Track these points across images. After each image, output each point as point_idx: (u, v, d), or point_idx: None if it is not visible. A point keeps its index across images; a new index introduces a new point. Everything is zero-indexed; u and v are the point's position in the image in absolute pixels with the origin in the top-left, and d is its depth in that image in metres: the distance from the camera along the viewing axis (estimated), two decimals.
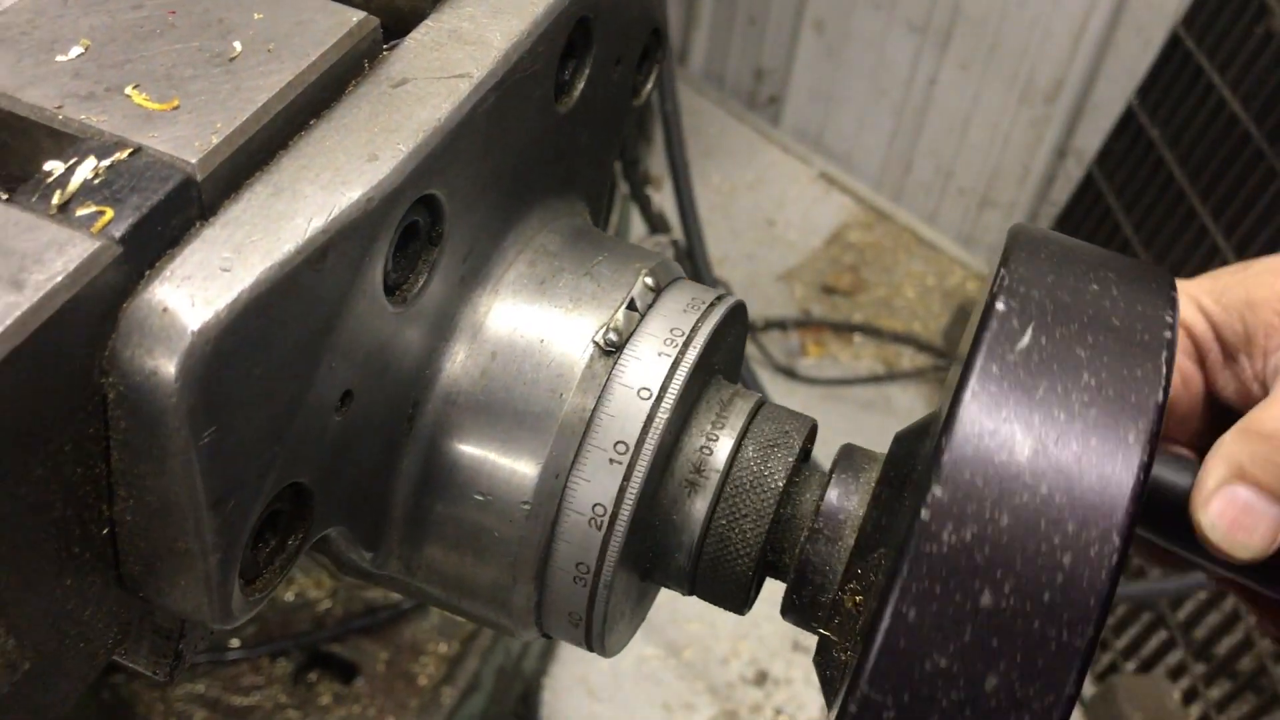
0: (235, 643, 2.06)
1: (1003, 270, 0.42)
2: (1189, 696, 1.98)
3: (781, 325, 2.70)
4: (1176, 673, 2.03)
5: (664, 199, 2.21)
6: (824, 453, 0.51)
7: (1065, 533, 0.36)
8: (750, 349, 2.51)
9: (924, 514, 0.36)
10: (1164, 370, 0.39)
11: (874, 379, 2.67)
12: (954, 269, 2.89)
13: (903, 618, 0.36)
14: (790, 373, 2.61)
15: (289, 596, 2.18)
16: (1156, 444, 0.37)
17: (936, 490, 0.36)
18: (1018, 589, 0.35)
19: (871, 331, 2.74)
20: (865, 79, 2.75)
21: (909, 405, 2.61)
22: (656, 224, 2.06)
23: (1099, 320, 0.40)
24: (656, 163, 2.29)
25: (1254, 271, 0.55)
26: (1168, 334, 0.40)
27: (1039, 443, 0.37)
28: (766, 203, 2.97)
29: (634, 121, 2.01)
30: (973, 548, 0.36)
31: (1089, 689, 2.07)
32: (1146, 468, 0.37)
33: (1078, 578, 0.35)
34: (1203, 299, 0.55)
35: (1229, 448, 0.47)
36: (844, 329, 2.75)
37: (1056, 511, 0.36)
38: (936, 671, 0.35)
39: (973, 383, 0.38)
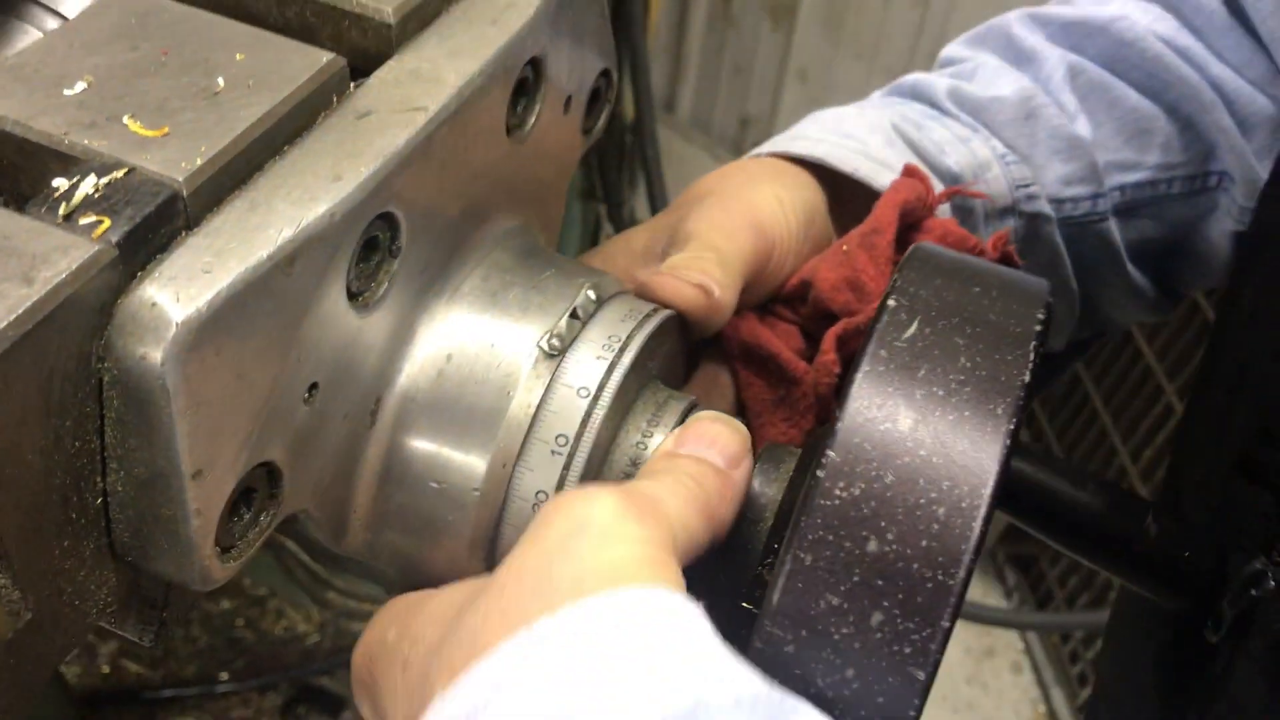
0: (224, 676, 2.10)
1: (897, 276, 0.47)
2: None
3: None
4: None
5: None
6: None
7: (941, 489, 0.41)
8: None
9: (820, 473, 0.42)
10: (1030, 356, 0.44)
11: None
12: None
13: (800, 562, 0.41)
14: None
15: (278, 630, 2.21)
16: (1022, 415, 0.43)
17: (830, 453, 0.42)
18: (900, 537, 0.41)
19: None
20: None
21: None
22: None
23: (977, 315, 0.46)
24: (641, 207, 2.35)
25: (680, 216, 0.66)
26: (1037, 326, 0.45)
27: (919, 414, 0.43)
28: None
29: (616, 164, 2.07)
30: (860, 502, 0.41)
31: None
32: (1013, 434, 0.42)
33: (951, 527, 0.41)
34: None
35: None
36: None
37: (933, 471, 0.41)
38: (830, 609, 0.41)
39: (864, 365, 0.44)
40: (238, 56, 0.46)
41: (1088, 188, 0.76)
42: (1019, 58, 0.78)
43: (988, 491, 0.42)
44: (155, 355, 0.38)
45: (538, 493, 0.51)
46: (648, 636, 0.38)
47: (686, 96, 3.17)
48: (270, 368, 0.43)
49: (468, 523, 0.51)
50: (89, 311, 0.38)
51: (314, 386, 0.46)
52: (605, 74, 0.62)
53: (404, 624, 0.46)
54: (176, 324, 0.39)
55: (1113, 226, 0.77)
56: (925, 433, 0.43)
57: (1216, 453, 0.67)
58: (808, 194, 0.70)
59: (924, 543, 0.41)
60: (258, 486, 0.45)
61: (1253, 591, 0.57)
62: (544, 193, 0.60)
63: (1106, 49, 0.76)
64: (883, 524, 0.41)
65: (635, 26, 1.91)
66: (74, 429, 0.39)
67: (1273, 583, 0.57)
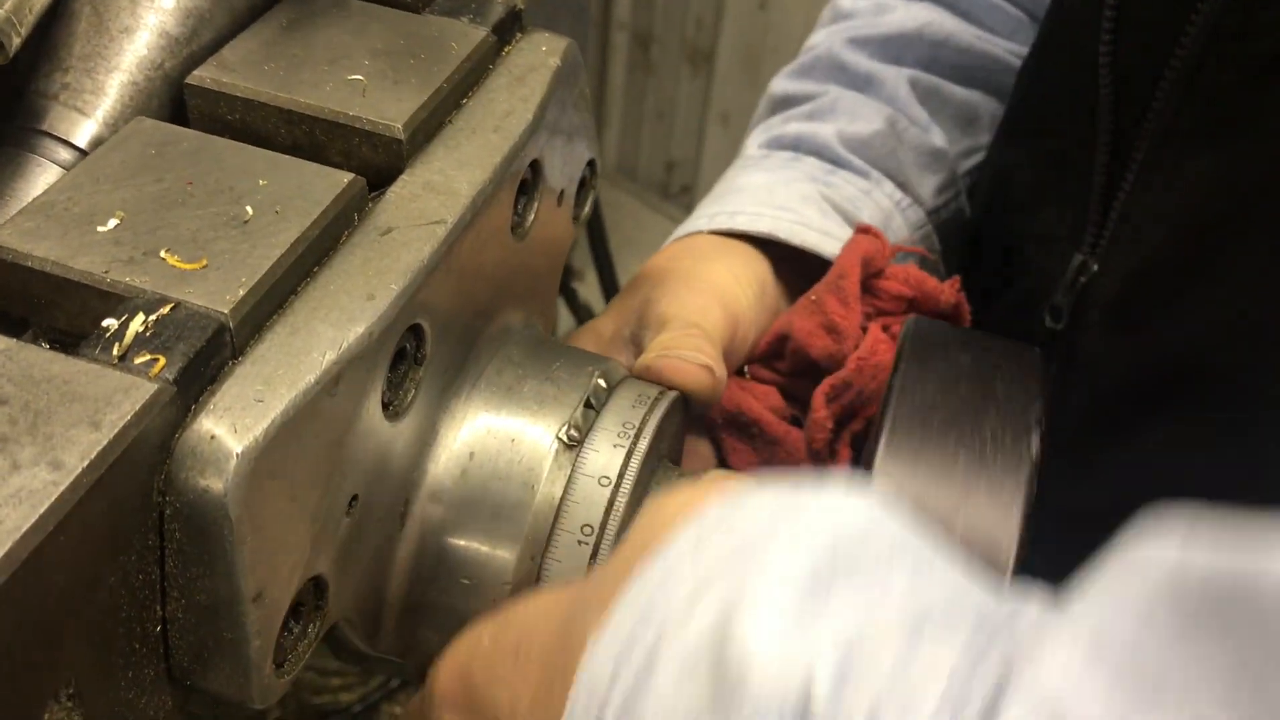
0: None
1: (900, 355, 0.51)
2: None
3: None
4: None
5: (588, 290, 2.29)
6: None
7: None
8: None
9: None
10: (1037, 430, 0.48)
11: None
12: None
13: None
14: None
15: None
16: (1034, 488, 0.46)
17: None
18: None
19: None
20: None
21: None
22: (584, 316, 2.14)
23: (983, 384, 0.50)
24: (579, 256, 2.37)
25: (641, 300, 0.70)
26: (1038, 401, 0.49)
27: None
28: None
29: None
30: None
31: None
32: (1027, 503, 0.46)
33: None
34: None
35: None
36: None
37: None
38: None
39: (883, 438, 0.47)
40: (260, 182, 0.47)
41: (952, 190, 0.84)
42: (859, 82, 0.85)
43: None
44: (218, 486, 0.40)
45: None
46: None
47: (611, 144, 3.20)
48: (319, 486, 0.44)
49: None
50: (152, 449, 0.39)
51: (354, 498, 0.47)
52: (591, 163, 0.64)
53: (501, 624, 0.44)
54: (236, 455, 0.40)
55: (965, 205, 0.85)
56: (946, 510, 0.46)
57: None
58: (756, 266, 0.74)
59: None
60: (305, 600, 0.46)
61: (1080, 279, 0.68)
62: (542, 283, 0.62)
63: (924, 54, 0.85)
64: None
65: None
66: (137, 562, 0.40)
67: (1095, 267, 0.67)
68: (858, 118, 0.82)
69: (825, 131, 0.82)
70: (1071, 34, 0.71)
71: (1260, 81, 0.55)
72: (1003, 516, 0.45)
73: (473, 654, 0.45)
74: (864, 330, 0.66)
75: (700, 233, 0.76)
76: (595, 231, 2.09)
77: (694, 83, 2.97)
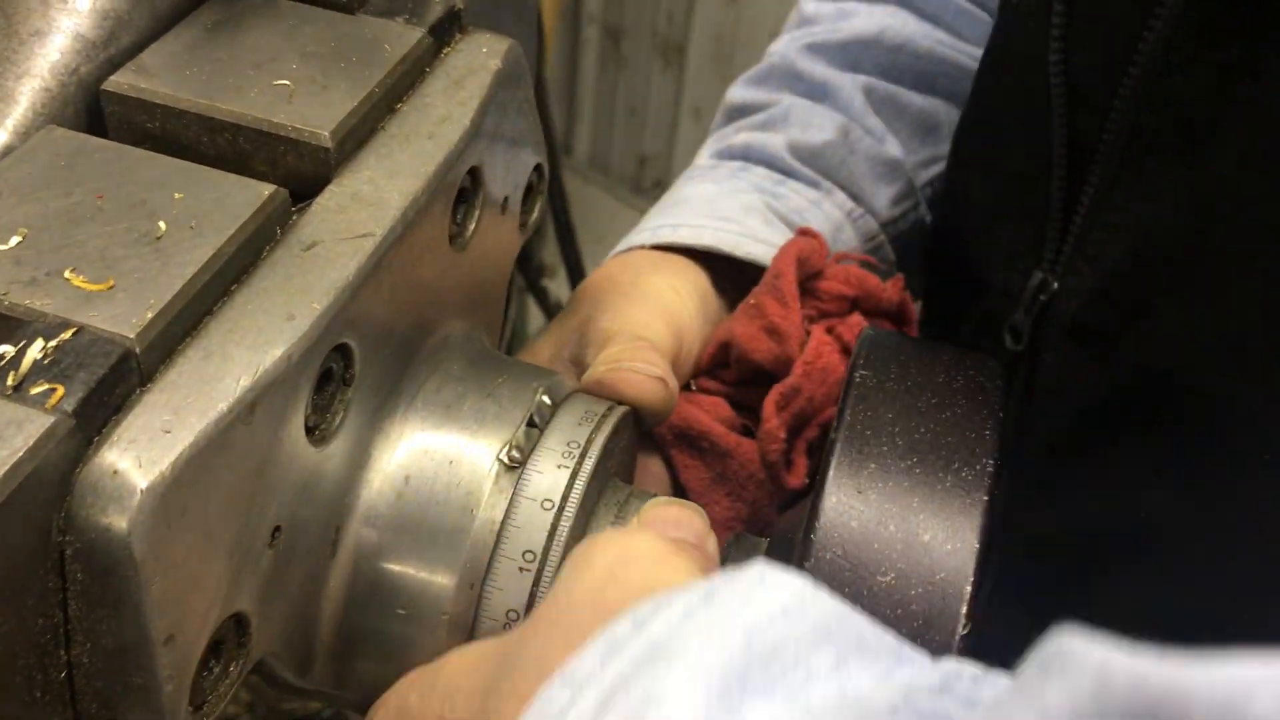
0: None
1: (853, 369, 0.48)
2: None
3: None
4: None
5: (560, 287, 2.27)
6: None
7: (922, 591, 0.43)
8: None
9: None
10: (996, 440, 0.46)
11: None
12: None
13: None
14: None
15: None
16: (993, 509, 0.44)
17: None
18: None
19: None
20: None
21: None
22: (555, 314, 2.11)
23: (941, 398, 0.47)
24: (550, 252, 2.35)
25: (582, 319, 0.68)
26: (999, 410, 0.47)
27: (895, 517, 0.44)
28: None
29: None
30: None
31: None
32: (985, 530, 0.43)
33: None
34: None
35: None
36: None
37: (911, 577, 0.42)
38: None
39: (832, 467, 0.45)
40: (176, 196, 0.45)
41: (910, 201, 0.83)
42: (815, 91, 0.83)
43: (965, 600, 0.42)
44: (121, 524, 0.37)
45: (508, 612, 0.50)
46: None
47: (583, 139, 3.18)
48: (235, 520, 0.42)
49: (438, 647, 0.50)
50: (49, 485, 0.37)
51: (277, 530, 0.44)
52: (537, 168, 0.62)
53: (428, 684, 0.43)
54: (141, 490, 0.37)
55: (926, 215, 0.84)
56: (899, 536, 0.43)
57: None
58: (697, 279, 0.72)
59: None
60: (226, 638, 0.44)
61: (1040, 297, 0.65)
62: (486, 294, 0.59)
63: (882, 60, 0.83)
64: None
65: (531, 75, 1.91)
66: (36, 606, 0.38)
67: (1055, 285, 0.64)
68: (810, 127, 0.80)
69: (775, 141, 0.80)
70: (1020, 41, 0.69)
71: (1224, 90, 0.53)
72: (960, 543, 0.43)
73: (400, 713, 0.43)
74: (807, 333, 0.64)
75: (641, 247, 0.74)
76: (565, 228, 2.06)
77: (665, 77, 2.94)
